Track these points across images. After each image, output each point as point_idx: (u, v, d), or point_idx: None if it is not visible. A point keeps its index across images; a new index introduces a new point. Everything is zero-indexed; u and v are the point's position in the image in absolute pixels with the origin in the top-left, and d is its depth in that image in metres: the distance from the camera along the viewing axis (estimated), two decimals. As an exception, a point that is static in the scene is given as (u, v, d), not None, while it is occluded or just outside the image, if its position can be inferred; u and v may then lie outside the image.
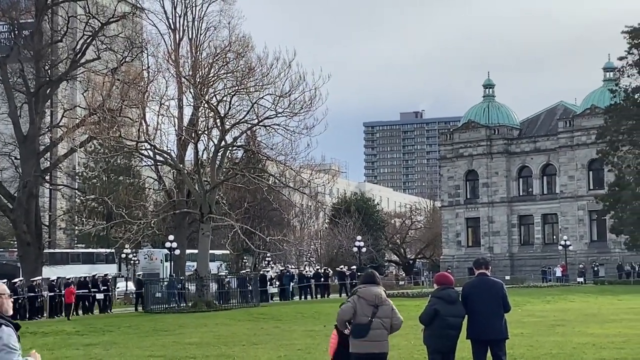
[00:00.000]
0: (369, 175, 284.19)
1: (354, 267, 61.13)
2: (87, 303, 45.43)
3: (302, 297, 55.60)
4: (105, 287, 46.92)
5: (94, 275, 48.53)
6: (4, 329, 6.90)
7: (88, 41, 56.51)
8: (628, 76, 71.92)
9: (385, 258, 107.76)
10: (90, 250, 78.84)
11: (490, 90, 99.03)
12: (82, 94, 58.69)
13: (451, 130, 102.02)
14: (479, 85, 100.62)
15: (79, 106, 60.31)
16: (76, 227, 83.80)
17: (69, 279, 46.02)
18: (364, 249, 68.35)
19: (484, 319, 12.44)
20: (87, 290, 45.41)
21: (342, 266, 62.67)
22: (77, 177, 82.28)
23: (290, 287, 56.59)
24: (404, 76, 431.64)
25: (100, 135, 46.76)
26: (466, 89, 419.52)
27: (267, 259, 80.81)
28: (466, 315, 12.53)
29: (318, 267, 60.13)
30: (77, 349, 23.87)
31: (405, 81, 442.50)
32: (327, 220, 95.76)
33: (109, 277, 51.71)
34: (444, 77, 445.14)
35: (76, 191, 77.20)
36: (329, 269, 61.38)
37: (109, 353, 22.39)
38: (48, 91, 56.71)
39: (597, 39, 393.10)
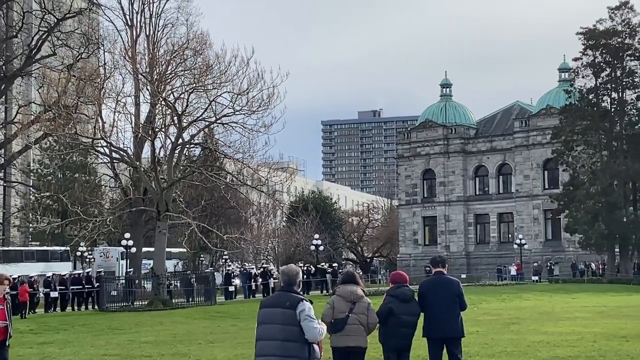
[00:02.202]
0: (327, 173, 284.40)
1: (336, 264, 61.64)
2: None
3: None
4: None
5: (76, 272, 48.13)
6: (306, 303, 9.02)
7: (43, 37, 55.94)
8: (583, 77, 72.68)
9: (343, 256, 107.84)
10: (45, 248, 77.84)
11: (448, 89, 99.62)
12: (38, 90, 58.02)
13: (409, 129, 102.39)
14: (436, 85, 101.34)
15: (34, 102, 59.64)
16: (31, 225, 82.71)
17: (15, 278, 45.08)
18: (321, 248, 68.39)
19: (440, 317, 12.47)
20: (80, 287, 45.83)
21: (322, 263, 62.75)
22: (31, 174, 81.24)
23: (273, 283, 56.55)
24: (362, 75, 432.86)
25: (55, 132, 46.28)
26: (424, 88, 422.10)
27: (224, 257, 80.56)
28: (422, 314, 12.59)
29: (301, 265, 59.98)
30: (30, 347, 23.56)
31: (363, 80, 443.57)
32: (284, 219, 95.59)
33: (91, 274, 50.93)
34: (401, 76, 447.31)
35: (31, 188, 76.31)
36: (311, 266, 61.33)
37: (63, 352, 22.12)
38: (2, 87, 56.05)
39: (553, 39, 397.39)
